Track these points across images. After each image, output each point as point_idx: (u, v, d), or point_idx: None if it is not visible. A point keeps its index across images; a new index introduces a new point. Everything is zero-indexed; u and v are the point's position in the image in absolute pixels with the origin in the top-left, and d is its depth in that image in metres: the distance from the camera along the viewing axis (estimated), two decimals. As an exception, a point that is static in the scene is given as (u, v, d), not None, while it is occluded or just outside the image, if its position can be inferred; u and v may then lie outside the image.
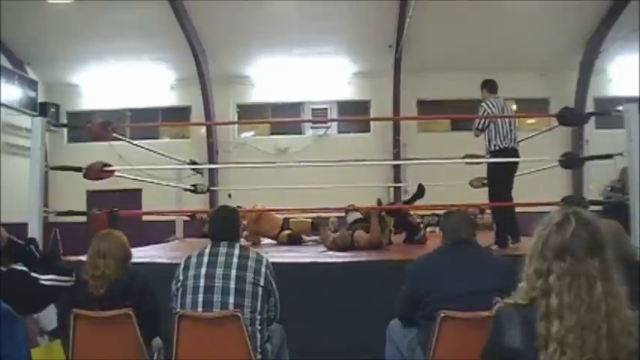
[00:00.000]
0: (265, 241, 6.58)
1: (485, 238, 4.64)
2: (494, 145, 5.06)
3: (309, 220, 6.66)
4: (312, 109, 13.83)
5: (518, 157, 5.13)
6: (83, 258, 3.10)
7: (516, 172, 5.17)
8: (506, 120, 5.10)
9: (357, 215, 5.75)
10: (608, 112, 6.65)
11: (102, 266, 2.85)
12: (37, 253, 2.59)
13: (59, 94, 13.93)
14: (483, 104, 5.21)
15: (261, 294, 2.71)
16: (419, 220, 5.84)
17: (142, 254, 4.76)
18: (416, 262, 2.89)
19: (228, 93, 13.88)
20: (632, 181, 4.25)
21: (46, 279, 2.46)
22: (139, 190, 11.91)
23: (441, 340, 2.49)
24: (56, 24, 12.02)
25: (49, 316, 3.04)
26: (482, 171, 6.91)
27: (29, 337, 2.55)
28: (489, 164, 5.25)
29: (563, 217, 1.55)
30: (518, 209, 5.23)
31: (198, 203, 10.55)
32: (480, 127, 5.13)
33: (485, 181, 6.77)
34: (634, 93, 9.87)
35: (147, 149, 6.49)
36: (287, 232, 6.39)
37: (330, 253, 5.01)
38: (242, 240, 5.99)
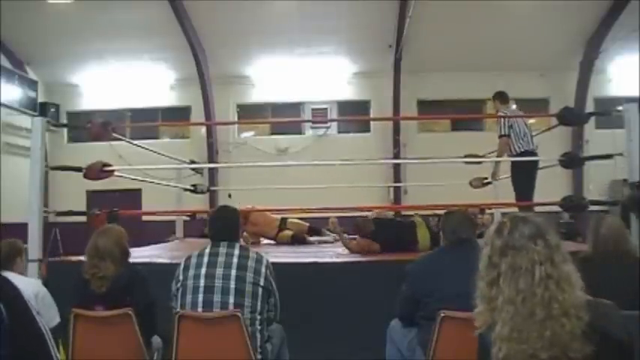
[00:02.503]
0: (265, 240, 6.57)
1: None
2: (518, 147, 5.40)
3: (307, 223, 6.62)
4: (312, 109, 13.82)
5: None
6: (83, 258, 3.10)
7: (536, 174, 5.38)
8: (524, 125, 5.42)
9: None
10: (608, 112, 6.67)
11: (102, 267, 2.87)
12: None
13: (59, 94, 13.93)
14: (501, 113, 5.54)
15: (261, 294, 2.71)
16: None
17: (141, 254, 4.76)
18: (416, 262, 2.90)
19: (228, 93, 13.88)
20: (632, 181, 4.25)
21: None
22: (139, 190, 11.90)
23: (441, 340, 2.50)
24: (56, 24, 12.03)
25: (49, 314, 3.05)
26: (482, 171, 6.95)
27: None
28: (512, 167, 5.47)
29: (499, 224, 1.60)
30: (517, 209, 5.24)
31: (198, 203, 10.54)
32: (504, 132, 5.41)
33: (486, 181, 6.84)
34: (634, 93, 9.87)
35: (147, 149, 6.49)
36: (289, 232, 6.35)
37: (330, 252, 5.00)
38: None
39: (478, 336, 1.60)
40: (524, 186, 5.25)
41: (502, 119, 5.44)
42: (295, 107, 13.93)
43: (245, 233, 6.21)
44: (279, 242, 6.31)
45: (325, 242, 6.31)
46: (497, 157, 5.59)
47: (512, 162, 5.42)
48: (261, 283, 2.72)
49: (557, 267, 1.47)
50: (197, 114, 13.61)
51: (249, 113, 14.08)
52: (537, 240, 1.49)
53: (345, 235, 5.12)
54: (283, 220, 6.45)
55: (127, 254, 3.05)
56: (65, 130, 14.06)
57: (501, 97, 5.80)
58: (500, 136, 5.42)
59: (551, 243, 1.50)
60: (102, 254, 2.89)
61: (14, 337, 1.96)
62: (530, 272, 1.46)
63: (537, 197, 5.41)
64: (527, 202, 5.12)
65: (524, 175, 5.29)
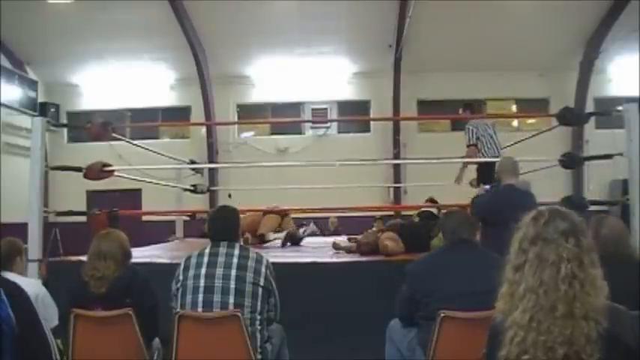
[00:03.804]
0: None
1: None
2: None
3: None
4: (312, 109, 13.82)
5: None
6: (83, 258, 3.10)
7: None
8: (492, 145, 5.60)
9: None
10: (608, 112, 6.67)
11: (102, 268, 2.87)
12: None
13: (59, 94, 13.92)
14: (469, 126, 5.68)
15: (261, 294, 2.71)
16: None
17: (141, 254, 4.76)
18: (416, 262, 2.90)
19: (228, 93, 13.87)
20: (632, 181, 4.25)
21: None
22: (139, 190, 11.90)
23: (441, 340, 2.50)
24: (56, 24, 12.02)
25: (49, 315, 3.05)
26: (481, 171, 6.95)
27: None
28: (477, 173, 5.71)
29: (537, 212, 1.60)
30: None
31: (198, 203, 10.54)
32: (472, 142, 5.59)
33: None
34: (634, 93, 9.86)
35: (147, 149, 6.49)
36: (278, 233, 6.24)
37: (330, 253, 4.99)
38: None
39: (491, 326, 1.61)
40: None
41: (468, 131, 5.61)
42: (295, 107, 13.92)
43: (247, 235, 6.15)
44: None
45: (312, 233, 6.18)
46: (465, 165, 5.74)
47: (477, 169, 5.61)
48: (261, 283, 2.72)
49: (584, 269, 1.46)
50: (197, 114, 13.61)
51: (249, 113, 14.06)
52: (569, 237, 1.49)
53: (348, 241, 5.12)
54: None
55: (129, 257, 3.06)
56: (65, 130, 14.05)
57: (472, 108, 6.05)
58: (469, 146, 5.57)
59: (583, 243, 1.50)
60: (104, 255, 2.90)
61: (19, 340, 1.96)
62: (556, 266, 1.47)
63: (537, 197, 5.41)
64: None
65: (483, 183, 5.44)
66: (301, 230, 5.96)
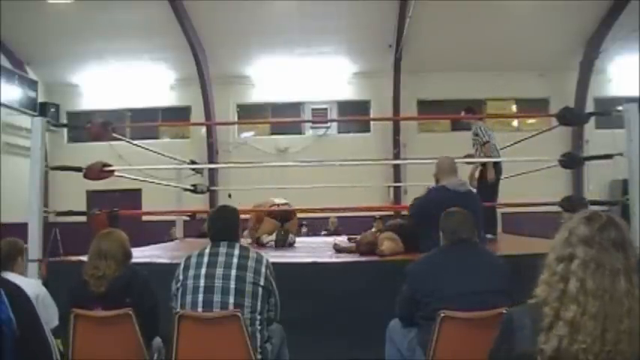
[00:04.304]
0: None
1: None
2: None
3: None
4: (312, 109, 13.84)
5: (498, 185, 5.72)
6: (83, 258, 3.10)
7: (497, 191, 5.72)
8: (494, 147, 5.74)
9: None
10: (608, 112, 6.68)
11: (102, 267, 2.87)
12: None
13: (59, 94, 13.93)
14: (477, 126, 5.78)
15: (261, 294, 2.71)
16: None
17: (141, 254, 4.75)
18: (416, 262, 2.89)
19: (228, 93, 13.88)
20: (632, 181, 4.25)
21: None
22: (139, 190, 11.91)
23: (441, 340, 2.49)
24: (56, 24, 12.03)
25: (49, 315, 3.05)
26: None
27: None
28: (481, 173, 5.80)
29: (593, 213, 1.56)
30: (517, 209, 5.31)
31: (198, 203, 10.54)
32: (487, 139, 5.65)
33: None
34: (634, 93, 9.87)
35: (147, 149, 6.49)
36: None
37: (330, 252, 4.99)
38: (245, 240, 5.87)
39: (506, 317, 1.59)
40: (486, 192, 5.49)
41: (480, 130, 5.70)
42: (295, 107, 13.94)
43: (246, 232, 6.14)
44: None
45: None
46: (477, 165, 5.83)
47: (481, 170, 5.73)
48: (261, 283, 2.72)
49: (633, 285, 1.44)
50: (197, 114, 13.62)
51: (249, 113, 14.08)
52: (619, 250, 1.47)
53: (348, 241, 5.10)
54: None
55: (129, 257, 3.06)
56: (65, 130, 14.07)
57: (473, 112, 6.16)
58: (484, 144, 5.66)
59: (630, 259, 1.48)
60: (104, 255, 2.90)
61: (20, 341, 1.97)
62: (616, 277, 1.44)
63: (537, 197, 5.42)
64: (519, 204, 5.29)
65: (488, 184, 5.57)
66: (290, 236, 5.94)
